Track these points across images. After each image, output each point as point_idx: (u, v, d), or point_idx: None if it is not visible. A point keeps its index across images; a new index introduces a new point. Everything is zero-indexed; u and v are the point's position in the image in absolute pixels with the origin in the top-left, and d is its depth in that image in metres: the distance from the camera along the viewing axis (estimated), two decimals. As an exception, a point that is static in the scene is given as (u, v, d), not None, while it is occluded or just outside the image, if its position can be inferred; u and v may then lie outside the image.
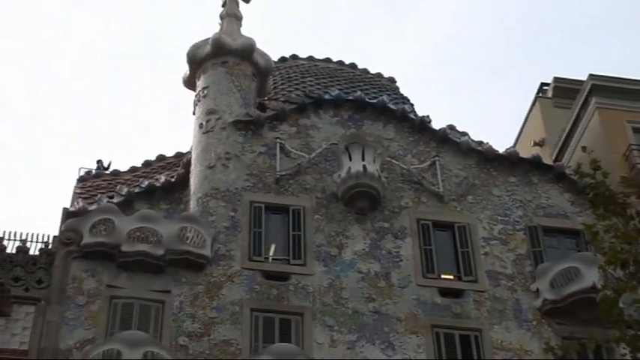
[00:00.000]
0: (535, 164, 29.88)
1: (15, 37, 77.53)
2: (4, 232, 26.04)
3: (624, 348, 14.18)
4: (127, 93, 78.70)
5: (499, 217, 28.48)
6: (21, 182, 73.15)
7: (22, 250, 25.67)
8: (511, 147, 31.51)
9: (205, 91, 30.00)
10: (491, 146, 30.02)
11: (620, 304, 13.48)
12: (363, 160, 27.92)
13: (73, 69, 78.02)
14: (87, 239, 25.54)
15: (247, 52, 30.64)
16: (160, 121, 77.74)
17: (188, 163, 28.72)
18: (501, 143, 30.87)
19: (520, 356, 25.02)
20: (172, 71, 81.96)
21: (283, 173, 28.18)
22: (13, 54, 77.82)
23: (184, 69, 31.26)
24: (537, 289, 26.69)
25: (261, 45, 31.03)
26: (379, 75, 34.92)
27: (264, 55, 31.30)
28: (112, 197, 27.69)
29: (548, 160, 30.86)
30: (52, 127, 76.13)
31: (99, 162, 31.10)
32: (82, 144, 72.17)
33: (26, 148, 74.40)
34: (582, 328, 23.48)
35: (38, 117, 75.22)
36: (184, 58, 30.97)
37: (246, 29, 31.98)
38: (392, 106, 30.49)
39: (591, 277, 24.76)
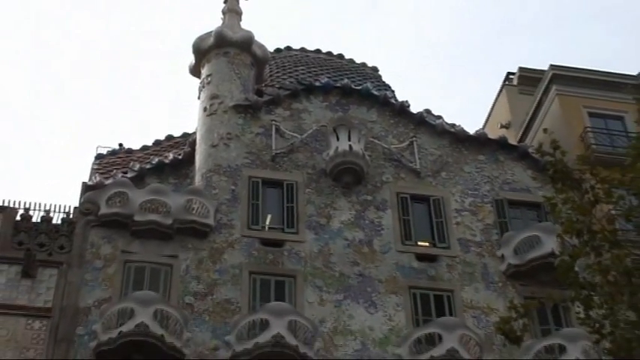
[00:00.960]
0: (501, 144, 30.03)
1: (15, 37, 75.44)
2: (31, 204, 26.07)
3: (578, 307, 14.31)
4: (129, 90, 78.10)
5: (469, 191, 28.62)
6: (45, 161, 73.07)
7: (46, 219, 25.71)
8: (480, 129, 31.53)
9: (209, 78, 30.08)
10: (462, 128, 30.15)
11: (576, 268, 13.56)
12: (349, 140, 28.07)
13: (73, 68, 76.08)
14: (104, 210, 25.61)
15: (247, 43, 30.72)
16: (168, 105, 77.14)
17: (193, 143, 28.82)
18: (472, 126, 30.87)
19: (487, 314, 25.24)
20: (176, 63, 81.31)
21: (278, 152, 28.25)
22: (13, 54, 75.44)
23: (186, 63, 31.49)
24: (502, 255, 26.83)
25: (258, 37, 31.25)
26: (364, 64, 34.92)
27: (261, 46, 31.36)
28: (125, 173, 27.80)
29: (513, 141, 30.98)
30: (69, 114, 75.70)
31: (120, 145, 31.13)
32: (100, 125, 71.95)
33: (48, 130, 74.22)
34: (542, 289, 23.66)
35: (43, 114, 74.62)
36: (187, 51, 31.14)
37: (246, 23, 32.23)
38: (375, 93, 30.58)
39: (550, 244, 25.00)
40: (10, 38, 73.69)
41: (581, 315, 13.69)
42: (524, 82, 36.09)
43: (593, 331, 13.18)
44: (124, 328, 22.64)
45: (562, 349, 24.23)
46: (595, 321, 12.96)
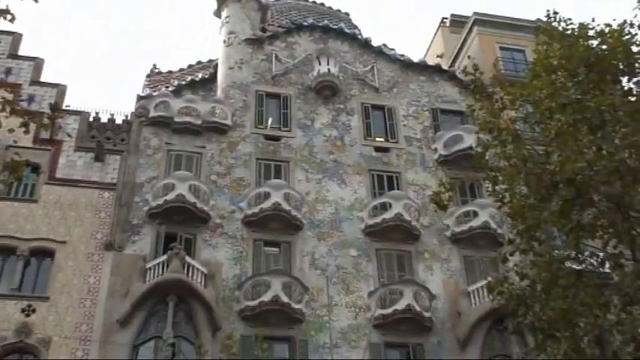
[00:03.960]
0: (437, 69, 29.48)
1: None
2: (100, 109, 25.75)
3: (487, 184, 14.24)
4: (172, 27, 76.44)
5: (413, 102, 28.22)
6: (112, 78, 72.26)
7: (111, 120, 25.29)
8: (422, 58, 30.95)
9: (227, 19, 29.18)
10: (409, 57, 29.55)
11: (487, 157, 13.37)
12: (328, 65, 27.58)
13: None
14: (152, 113, 25.18)
15: (255, -7, 29.86)
16: (198, 39, 75.69)
17: (216, 66, 28.18)
18: (416, 55, 30.32)
19: (424, 189, 25.20)
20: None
21: (277, 73, 27.66)
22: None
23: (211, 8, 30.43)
24: (436, 148, 26.68)
25: (263, -11, 30.07)
26: (339, 10, 33.98)
27: (265, -5, 30.50)
28: (167, 87, 27.26)
29: (445, 67, 30.42)
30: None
31: (155, 66, 30.40)
32: (151, 53, 70.76)
33: (116, 57, 72.99)
34: (463, 172, 23.55)
35: (116, 45, 72.94)
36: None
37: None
38: (347, 31, 29.80)
39: (470, 140, 24.80)
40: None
41: (489, 189, 13.57)
42: (454, 25, 35.18)
43: (497, 200, 13.09)
44: (168, 197, 22.58)
45: (475, 213, 24.37)
46: (499, 193, 12.85)
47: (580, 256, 11.70)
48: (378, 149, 26.38)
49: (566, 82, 11.53)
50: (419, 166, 26.26)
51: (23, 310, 20.14)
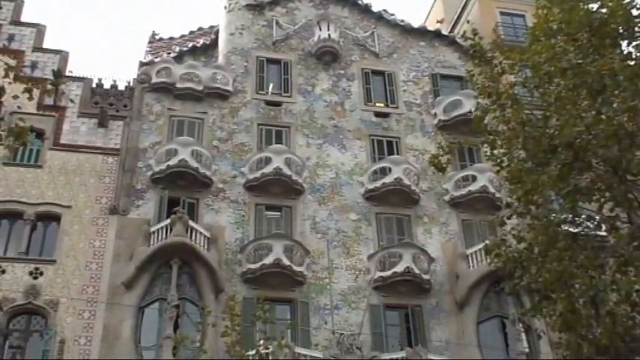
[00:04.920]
0: (437, 34, 29.12)
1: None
2: (103, 76, 25.63)
3: (486, 149, 14.18)
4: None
5: (413, 68, 27.98)
6: (114, 45, 71.66)
7: (114, 86, 25.13)
8: (422, 23, 30.60)
9: (228, -15, 28.82)
10: (409, 23, 29.19)
11: (485, 121, 13.28)
12: (328, 30, 27.27)
13: None
14: (154, 79, 25.00)
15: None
16: (199, 4, 74.81)
17: (217, 32, 27.88)
18: (416, 21, 29.95)
19: (423, 154, 25.03)
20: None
21: (278, 38, 27.37)
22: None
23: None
24: (435, 113, 26.54)
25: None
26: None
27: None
28: (169, 53, 26.98)
29: (445, 32, 30.09)
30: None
31: (154, 33, 30.08)
32: (152, 19, 70.00)
33: (118, 24, 72.20)
34: (462, 136, 23.40)
35: (118, 14, 72.25)
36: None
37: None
38: (347, -4, 29.48)
39: (469, 105, 24.50)
40: None
41: (488, 154, 13.52)
42: (454, -10, 34.77)
43: (495, 164, 13.04)
44: (171, 163, 22.55)
45: (474, 178, 24.36)
46: (497, 158, 12.80)
47: (577, 219, 11.71)
48: (378, 114, 26.24)
49: (566, 46, 11.41)
50: (418, 131, 26.15)
51: (31, 273, 20.29)
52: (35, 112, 22.60)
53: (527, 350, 20.71)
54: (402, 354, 20.18)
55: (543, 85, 11.97)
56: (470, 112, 23.30)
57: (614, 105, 10.91)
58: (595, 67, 10.79)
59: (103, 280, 20.50)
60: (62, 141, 23.10)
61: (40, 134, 22.79)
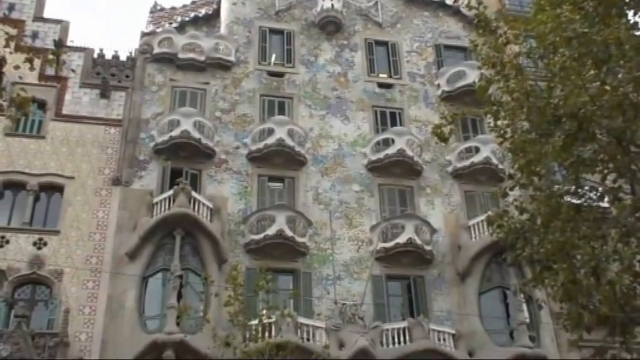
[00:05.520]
0: (441, 4, 28.73)
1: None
2: (105, 47, 25.50)
3: (489, 120, 14.09)
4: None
5: (416, 38, 27.74)
6: (116, 16, 71.12)
7: (116, 57, 25.01)
8: (426, -7, 30.26)
9: (230, -46, 28.44)
10: (413, -8, 28.91)
11: (489, 91, 13.15)
12: (331, 0, 26.99)
13: None
14: (156, 50, 24.86)
15: None
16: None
17: (219, 2, 27.47)
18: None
19: (426, 125, 24.83)
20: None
21: (280, 8, 27.10)
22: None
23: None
24: (439, 84, 26.39)
25: None
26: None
27: None
28: (171, 24, 26.73)
29: (449, 2, 29.70)
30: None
31: (156, 3, 29.79)
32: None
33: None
34: (465, 107, 23.28)
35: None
36: None
37: None
38: (351, -35, 29.07)
39: (472, 76, 24.27)
40: None
41: (491, 125, 13.42)
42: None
43: (498, 136, 12.94)
44: (173, 133, 22.53)
45: (477, 149, 24.30)
46: (500, 129, 12.71)
47: (579, 190, 11.67)
48: (381, 85, 26.10)
49: (572, 15, 11.26)
50: (422, 102, 26.03)
51: (35, 244, 20.39)
52: (37, 82, 22.53)
53: (528, 320, 20.87)
54: (403, 324, 20.33)
55: (548, 56, 11.83)
56: (474, 83, 23.24)
57: (620, 75, 10.80)
58: (601, 37, 10.66)
59: (107, 250, 20.61)
60: (64, 112, 23.07)
61: (42, 105, 22.75)
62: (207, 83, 24.71)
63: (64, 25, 24.92)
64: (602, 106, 10.61)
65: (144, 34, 25.50)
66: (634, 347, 11.17)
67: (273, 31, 26.61)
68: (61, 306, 19.31)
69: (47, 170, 21.78)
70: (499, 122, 12.70)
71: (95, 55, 24.82)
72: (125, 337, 19.05)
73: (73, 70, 23.33)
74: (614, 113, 10.65)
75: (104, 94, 23.62)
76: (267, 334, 17.89)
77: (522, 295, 20.79)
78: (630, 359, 11.28)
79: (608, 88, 10.83)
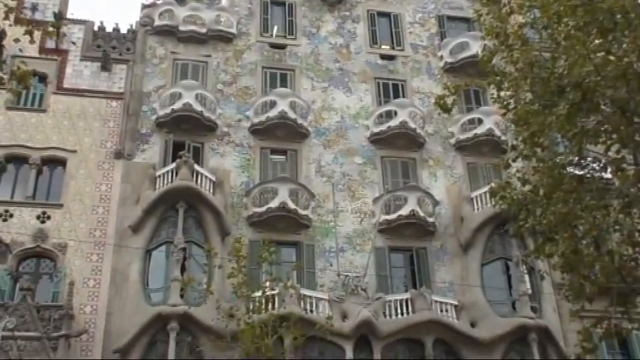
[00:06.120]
0: (444, -26, 28.55)
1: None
2: (105, 19, 25.31)
3: (492, 91, 14.01)
4: None
5: (419, 9, 27.47)
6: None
7: (116, 29, 24.82)
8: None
9: None
10: (415, -38, 28.54)
11: (493, 62, 13.06)
12: (333, -27, 26.82)
13: None
14: (157, 22, 24.70)
15: None
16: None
17: (220, -27, 27.35)
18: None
19: (429, 97, 24.73)
20: None
21: (282, -20, 26.93)
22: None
23: None
24: (441, 56, 26.20)
25: None
26: None
27: None
28: (171, -5, 26.53)
29: (452, -28, 29.45)
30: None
31: None
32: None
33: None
34: (468, 78, 23.10)
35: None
36: None
37: None
38: None
39: (476, 47, 24.11)
40: None
41: (494, 96, 13.35)
42: None
43: (502, 107, 12.90)
44: (175, 106, 22.48)
45: (480, 121, 24.22)
46: (504, 100, 12.65)
47: (582, 161, 11.65)
48: (383, 57, 25.92)
49: (577, -17, 11.14)
50: (424, 73, 25.88)
51: (38, 217, 20.47)
52: (37, 55, 22.46)
53: (529, 291, 20.97)
54: (406, 295, 20.45)
55: (552, 25, 11.72)
56: (477, 54, 23.06)
57: (624, 45, 10.71)
58: (606, 5, 10.55)
59: (110, 223, 20.70)
60: (65, 85, 23.00)
61: (42, 78, 22.69)
62: (209, 56, 24.57)
63: (63, -3, 24.73)
64: (607, 76, 10.54)
65: (144, 7, 25.31)
66: (635, 317, 11.23)
67: (274, 2, 26.38)
68: (66, 279, 19.44)
69: (49, 144, 21.78)
70: (502, 93, 12.66)
71: (96, 28, 24.66)
72: (130, 309, 19.20)
73: (74, 43, 23.24)
74: (618, 83, 10.59)
75: (105, 67, 23.51)
76: (270, 305, 18.02)
77: (524, 267, 20.88)
78: (631, 328, 11.35)
79: (612, 58, 10.75)
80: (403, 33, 26.62)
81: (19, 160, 21.58)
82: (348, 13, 26.62)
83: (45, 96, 22.65)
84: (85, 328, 18.82)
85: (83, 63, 23.57)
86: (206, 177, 21.25)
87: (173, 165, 21.02)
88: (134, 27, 24.91)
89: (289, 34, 25.74)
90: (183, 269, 19.31)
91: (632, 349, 21.28)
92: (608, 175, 11.73)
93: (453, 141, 24.32)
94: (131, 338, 18.52)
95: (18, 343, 17.36)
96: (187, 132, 22.50)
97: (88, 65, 23.62)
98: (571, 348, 19.11)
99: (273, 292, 18.20)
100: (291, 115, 23.00)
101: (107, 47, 24.06)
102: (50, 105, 22.48)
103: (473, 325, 20.52)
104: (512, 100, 12.56)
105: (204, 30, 24.60)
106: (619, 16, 10.60)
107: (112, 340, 18.89)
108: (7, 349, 17.40)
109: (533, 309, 20.68)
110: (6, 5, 10.98)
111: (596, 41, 10.86)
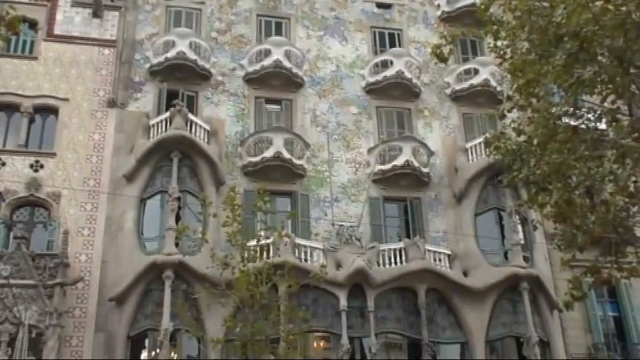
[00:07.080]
0: None
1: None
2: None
3: (489, 41, 13.83)
4: None
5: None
6: None
7: (107, -26, 24.39)
8: None
9: None
10: None
11: (491, 10, 12.83)
12: None
13: None
14: (149, -33, 24.24)
15: None
16: None
17: None
18: None
19: (425, 47, 24.48)
20: None
21: None
22: None
23: None
24: (439, 4, 25.86)
25: None
26: None
27: None
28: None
29: None
30: None
31: None
32: None
33: None
34: (465, 27, 22.77)
35: None
36: None
37: None
38: None
39: None
40: None
41: (491, 45, 13.22)
42: None
43: (498, 56, 12.78)
44: (169, 55, 22.25)
45: (476, 71, 24.07)
46: (500, 49, 12.53)
47: (577, 112, 11.62)
48: (379, 5, 25.57)
49: None
50: (421, 23, 25.58)
51: (31, 166, 20.44)
52: (26, 1, 22.06)
53: (522, 241, 21.20)
54: (400, 245, 20.65)
55: (551, -27, 11.56)
56: (474, 3, 22.79)
57: (623, -7, 10.59)
58: (605, -48, 10.42)
59: (104, 172, 20.69)
60: (56, 32, 22.66)
61: (33, 25, 22.34)
62: (203, 3, 24.19)
63: (52, -59, 24.16)
64: (605, 25, 10.44)
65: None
66: (625, 267, 11.37)
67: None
68: (60, 228, 19.53)
69: (41, 92, 21.58)
70: (499, 42, 12.52)
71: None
72: (125, 258, 19.36)
73: (63, -13, 22.80)
74: (616, 33, 10.49)
75: (97, 14, 23.13)
76: (265, 254, 18.19)
77: (517, 217, 21.04)
78: (620, 277, 11.52)
79: (611, 7, 10.63)
80: (400, -16, 26.21)
81: (11, 108, 21.40)
82: (344, -40, 26.14)
83: (35, 43, 22.35)
84: (81, 276, 19.00)
85: (74, 9, 23.18)
86: (200, 126, 21.17)
87: (167, 114, 20.91)
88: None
89: (284, -20, 25.30)
90: (177, 218, 19.40)
91: (621, 297, 21.71)
92: (603, 126, 11.72)
93: (448, 91, 24.22)
94: (126, 287, 18.72)
95: (13, 291, 17.54)
96: (181, 81, 22.31)
97: (79, 11, 23.23)
98: (561, 296, 19.42)
99: (267, 241, 18.35)
100: (286, 64, 22.79)
101: (98, -6, 23.63)
102: (41, 52, 22.19)
103: (465, 274, 20.79)
104: (508, 50, 12.44)
105: (197, -20, 24.17)
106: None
107: (107, 289, 19.10)
108: (3, 297, 17.60)
109: (525, 258, 20.93)
110: (-7, -52, 10.79)
111: (595, -11, 10.72)
